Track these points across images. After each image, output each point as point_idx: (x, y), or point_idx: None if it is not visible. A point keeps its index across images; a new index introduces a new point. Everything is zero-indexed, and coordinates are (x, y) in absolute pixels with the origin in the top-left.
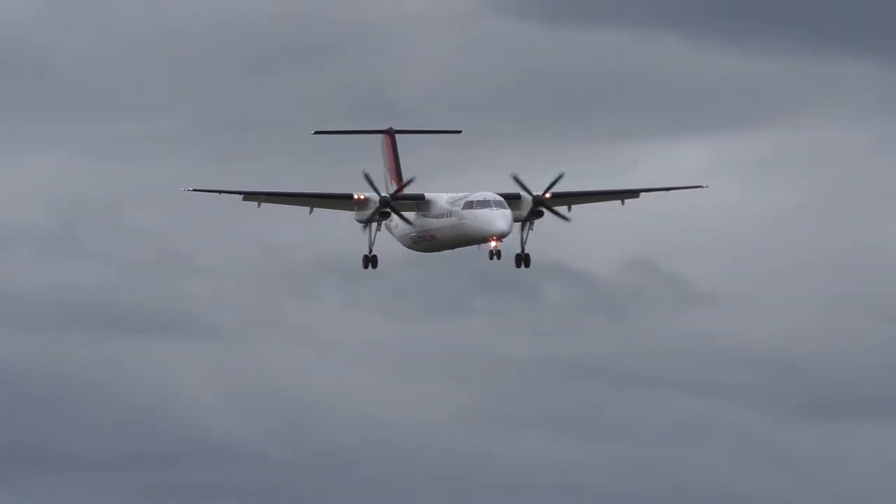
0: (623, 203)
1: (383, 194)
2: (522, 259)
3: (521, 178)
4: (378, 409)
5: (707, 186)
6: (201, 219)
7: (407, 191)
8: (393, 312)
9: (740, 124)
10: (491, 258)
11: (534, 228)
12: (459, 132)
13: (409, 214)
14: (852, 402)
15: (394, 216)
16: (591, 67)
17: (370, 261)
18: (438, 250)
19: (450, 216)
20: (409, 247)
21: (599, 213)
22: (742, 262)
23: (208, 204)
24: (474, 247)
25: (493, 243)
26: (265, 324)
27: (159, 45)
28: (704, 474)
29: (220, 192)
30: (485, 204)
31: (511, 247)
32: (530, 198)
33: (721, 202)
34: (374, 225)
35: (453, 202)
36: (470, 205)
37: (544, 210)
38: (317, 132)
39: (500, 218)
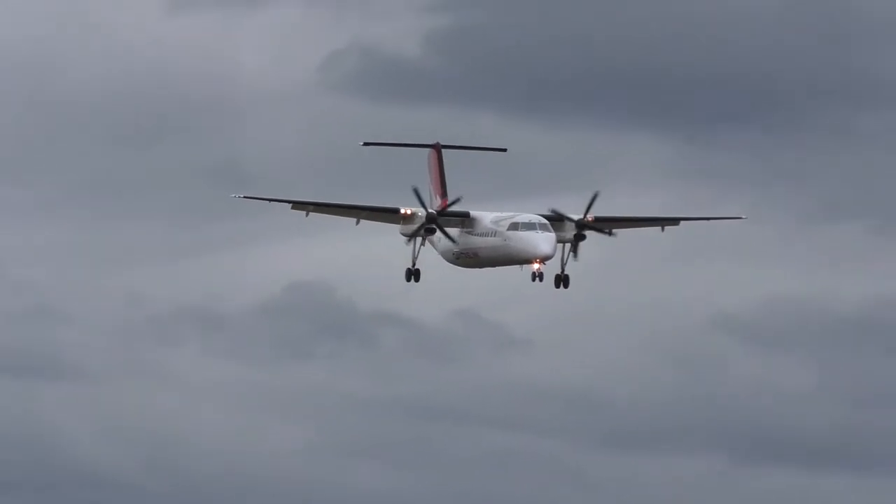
0: (663, 230)
1: (430, 210)
2: (562, 280)
3: (559, 210)
4: (234, 443)
5: (745, 218)
6: (72, 275)
7: (452, 208)
8: (249, 357)
9: (546, 193)
10: (533, 280)
11: (575, 251)
12: (504, 150)
13: (453, 231)
14: (650, 436)
15: (438, 231)
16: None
17: (413, 274)
18: (480, 267)
19: (494, 235)
20: (451, 262)
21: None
22: (554, 313)
23: (77, 263)
24: (516, 266)
25: (536, 265)
26: (132, 368)
27: (37, 115)
28: (521, 501)
29: (269, 199)
30: (530, 226)
31: (552, 268)
32: (573, 222)
33: None
34: (419, 239)
35: (498, 222)
36: (515, 226)
37: (587, 233)
38: (366, 143)
39: (545, 241)
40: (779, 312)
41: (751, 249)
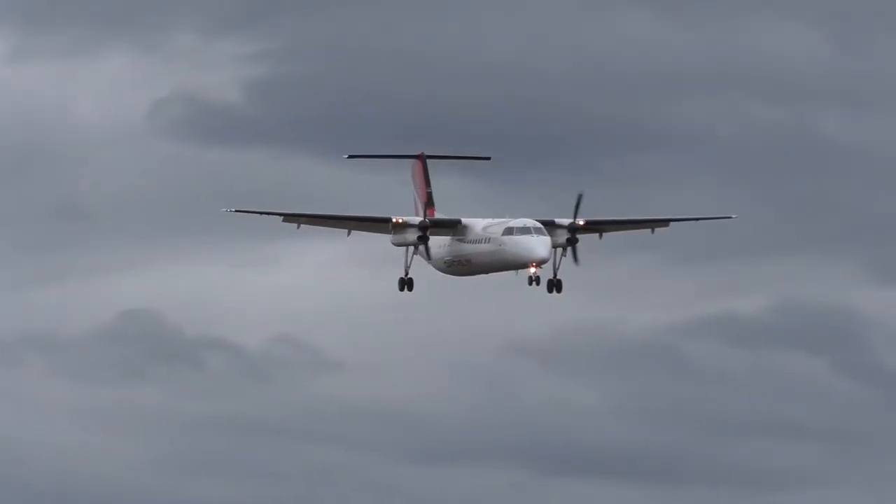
0: (653, 231)
1: (422, 219)
2: (555, 285)
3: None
4: (76, 458)
5: (736, 217)
6: None
7: (443, 216)
8: (89, 378)
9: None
10: (530, 284)
11: (567, 255)
12: (489, 159)
13: (444, 239)
14: (456, 450)
15: (432, 239)
16: (231, 182)
17: (406, 283)
18: (473, 274)
19: (487, 242)
20: (442, 270)
21: (249, 289)
22: (364, 337)
23: None
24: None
25: (532, 269)
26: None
27: None
28: None
29: (260, 213)
30: (525, 230)
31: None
32: (566, 225)
33: (344, 289)
34: (411, 248)
35: (491, 228)
36: (510, 231)
37: (578, 237)
38: (350, 156)
39: (541, 244)
40: (573, 338)
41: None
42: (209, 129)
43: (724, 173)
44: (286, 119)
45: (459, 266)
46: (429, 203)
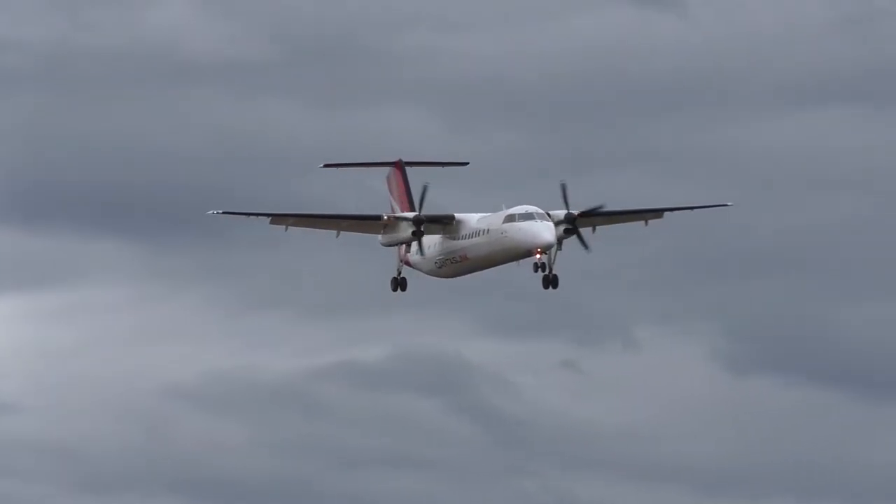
0: (647, 224)
1: (416, 213)
2: (550, 281)
3: (567, 190)
4: None
5: (731, 205)
6: None
7: (437, 212)
8: None
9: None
10: (536, 271)
11: (562, 248)
12: (467, 164)
13: (434, 238)
14: (118, 482)
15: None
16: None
17: (399, 283)
18: (466, 273)
19: (486, 233)
20: (431, 272)
21: None
22: (40, 382)
23: None
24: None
25: (537, 256)
26: None
27: None
28: None
29: (247, 214)
30: (527, 216)
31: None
32: (563, 215)
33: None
34: (404, 247)
35: (486, 219)
36: (511, 218)
37: (575, 229)
38: (326, 165)
39: (546, 229)
40: (219, 382)
41: (203, 330)
42: None
43: None
44: None
45: (453, 265)
46: (412, 208)
